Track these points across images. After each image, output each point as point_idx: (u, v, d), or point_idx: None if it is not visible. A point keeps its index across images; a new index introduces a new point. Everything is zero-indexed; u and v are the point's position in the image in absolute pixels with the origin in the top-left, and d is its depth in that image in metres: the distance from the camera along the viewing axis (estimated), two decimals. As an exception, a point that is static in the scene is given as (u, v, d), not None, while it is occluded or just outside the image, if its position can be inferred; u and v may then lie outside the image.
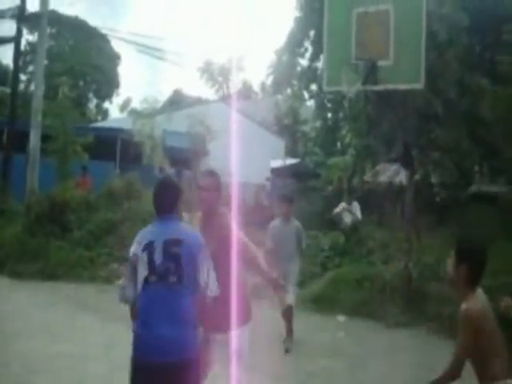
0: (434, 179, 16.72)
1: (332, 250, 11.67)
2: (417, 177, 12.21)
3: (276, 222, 7.69)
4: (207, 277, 3.53)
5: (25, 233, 13.07)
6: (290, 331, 7.47)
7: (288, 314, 7.42)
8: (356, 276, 9.72)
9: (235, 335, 4.10)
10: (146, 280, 3.44)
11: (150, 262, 3.44)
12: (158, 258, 3.44)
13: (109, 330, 7.91)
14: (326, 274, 10.44)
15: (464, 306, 3.45)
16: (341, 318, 8.88)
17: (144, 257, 3.46)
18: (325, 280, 10.15)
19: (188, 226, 3.84)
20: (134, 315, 3.54)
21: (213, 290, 3.56)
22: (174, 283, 3.43)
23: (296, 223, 7.72)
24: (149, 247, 3.48)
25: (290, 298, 7.37)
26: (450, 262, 3.68)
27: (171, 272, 3.43)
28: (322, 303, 9.41)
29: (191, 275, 3.47)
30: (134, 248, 3.55)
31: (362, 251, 11.20)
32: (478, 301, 3.52)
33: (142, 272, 3.45)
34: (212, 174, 4.37)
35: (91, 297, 10.28)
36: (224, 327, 4.07)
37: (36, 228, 12.97)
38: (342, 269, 10.54)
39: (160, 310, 3.40)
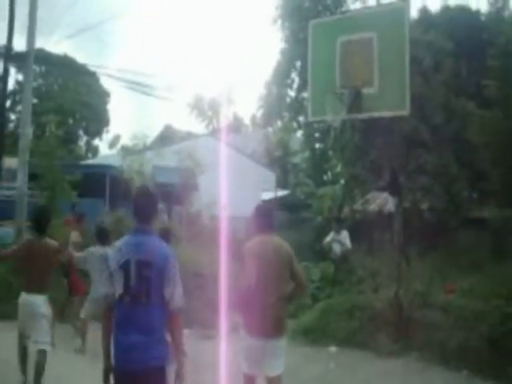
0: (423, 205, 16.68)
1: (322, 280, 11.55)
2: (406, 204, 12.14)
3: None
4: (173, 291, 3.85)
5: (11, 273, 12.88)
6: None
7: None
8: (346, 306, 9.54)
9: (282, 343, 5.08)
10: (121, 298, 3.79)
11: (125, 283, 3.79)
12: (133, 279, 3.78)
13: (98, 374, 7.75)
14: (317, 305, 10.27)
15: None
16: (332, 349, 8.70)
17: (121, 275, 3.80)
18: (315, 311, 9.97)
19: (159, 241, 4.01)
20: (108, 318, 3.89)
21: (177, 302, 3.87)
22: (145, 302, 3.77)
23: None
24: (125, 266, 3.80)
25: None
26: None
27: (142, 293, 3.77)
28: (313, 334, 9.22)
29: (159, 292, 3.81)
30: (113, 262, 3.85)
31: (353, 280, 11.07)
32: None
33: (118, 289, 3.80)
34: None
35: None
36: (273, 334, 4.97)
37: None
38: (332, 299, 10.38)
39: (131, 323, 3.76)
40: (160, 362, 3.81)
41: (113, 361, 3.81)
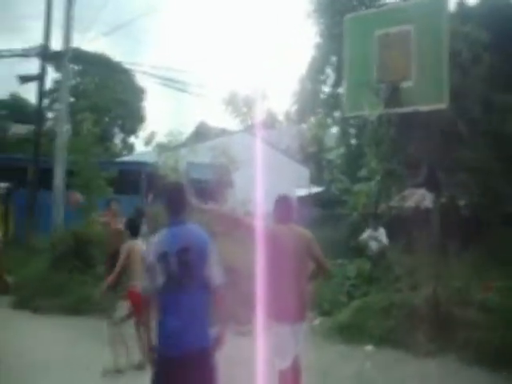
0: (460, 201, 16.33)
1: (358, 277, 11.34)
2: (443, 200, 11.89)
3: None
4: (213, 270, 4.05)
5: (49, 268, 13.10)
6: None
7: None
8: (383, 304, 9.37)
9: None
10: (164, 286, 3.98)
11: (166, 271, 3.98)
12: (173, 267, 3.97)
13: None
14: (353, 303, 10.12)
15: None
16: (368, 348, 8.55)
17: (160, 266, 3.99)
18: (351, 309, 9.82)
19: (195, 227, 4.22)
20: (148, 307, 4.17)
21: (219, 280, 4.07)
22: (187, 286, 3.97)
23: None
24: (163, 258, 4.00)
25: None
26: None
27: (184, 277, 3.98)
28: (349, 333, 9.08)
29: (201, 275, 4.01)
30: (151, 257, 4.05)
31: (389, 278, 10.86)
32: None
33: (160, 278, 3.98)
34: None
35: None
36: (300, 317, 5.33)
37: (60, 264, 12.99)
38: (368, 297, 10.20)
39: (176, 309, 3.94)
40: (206, 345, 3.99)
41: (158, 349, 4.00)
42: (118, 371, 7.35)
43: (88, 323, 10.55)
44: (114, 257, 11.21)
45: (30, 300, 11.99)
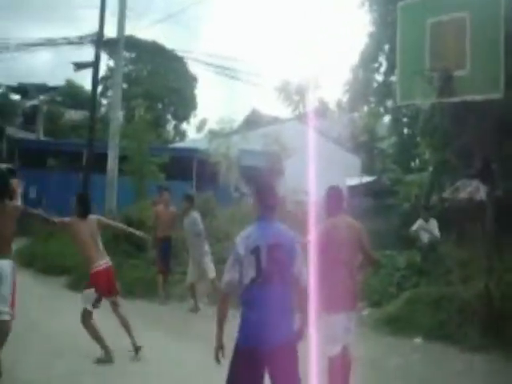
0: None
1: (408, 269, 11.20)
2: (498, 192, 11.59)
3: None
4: (301, 269, 4.18)
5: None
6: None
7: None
8: (434, 296, 9.23)
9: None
10: (253, 280, 4.03)
11: (258, 266, 4.03)
12: (264, 262, 4.03)
13: (180, 349, 7.97)
14: (402, 295, 10.01)
15: None
16: (417, 341, 8.45)
17: (252, 260, 4.03)
18: (400, 300, 9.72)
19: (283, 226, 4.30)
20: (224, 305, 4.18)
21: (305, 278, 4.21)
22: (277, 283, 4.04)
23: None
24: (256, 251, 4.04)
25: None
26: None
27: (274, 274, 4.04)
28: (398, 324, 8.99)
29: (289, 272, 4.10)
30: (242, 249, 4.06)
31: (440, 270, 10.69)
32: None
33: (250, 273, 4.03)
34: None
35: (165, 315, 10.37)
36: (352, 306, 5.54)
37: (112, 247, 13.24)
38: (418, 289, 10.08)
39: (264, 303, 4.02)
40: (291, 338, 4.12)
41: (242, 340, 4.07)
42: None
43: (138, 306, 10.77)
44: (164, 241, 11.50)
45: (83, 282, 12.24)
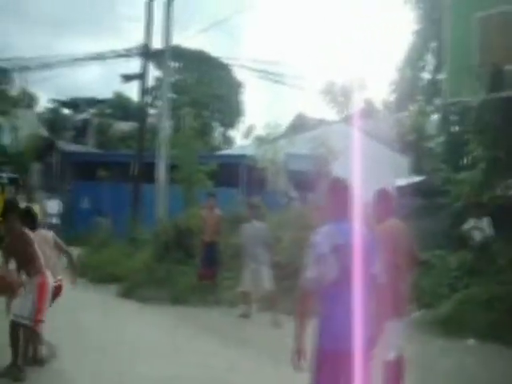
0: None
1: (460, 269, 10.95)
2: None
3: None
4: (380, 268, 4.16)
5: (153, 259, 13.56)
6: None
7: None
8: (486, 297, 9.03)
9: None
10: (334, 280, 3.93)
11: (340, 265, 3.93)
12: (345, 261, 3.93)
13: (229, 354, 7.94)
14: (454, 295, 9.81)
15: None
16: (470, 342, 8.27)
17: (332, 259, 3.92)
18: (453, 301, 9.52)
19: (358, 226, 4.21)
20: (306, 304, 4.05)
21: (382, 278, 4.17)
22: (358, 282, 3.94)
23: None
24: (337, 251, 3.94)
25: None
26: None
27: (356, 274, 3.94)
28: (450, 326, 8.82)
29: (368, 272, 4.03)
30: (324, 249, 3.95)
31: (493, 270, 10.42)
32: None
33: (330, 272, 3.92)
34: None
35: (214, 320, 10.43)
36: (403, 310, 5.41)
37: (163, 254, 13.42)
38: (470, 289, 9.85)
39: (346, 304, 3.90)
40: (371, 338, 4.06)
41: (323, 343, 3.96)
42: None
43: (188, 312, 10.86)
44: (211, 245, 11.59)
45: (136, 290, 12.47)
